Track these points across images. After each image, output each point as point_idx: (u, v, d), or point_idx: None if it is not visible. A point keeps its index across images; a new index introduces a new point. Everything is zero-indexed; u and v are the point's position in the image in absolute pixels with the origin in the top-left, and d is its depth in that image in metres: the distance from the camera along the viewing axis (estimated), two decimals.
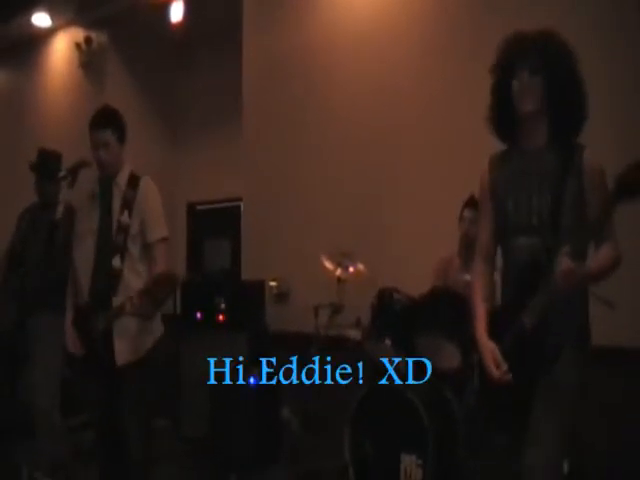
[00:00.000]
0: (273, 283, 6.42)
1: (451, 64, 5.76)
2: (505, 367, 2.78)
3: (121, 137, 4.07)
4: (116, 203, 4.01)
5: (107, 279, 3.89)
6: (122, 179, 4.05)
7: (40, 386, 4.84)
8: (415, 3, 6.06)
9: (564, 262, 2.56)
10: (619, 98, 4.82)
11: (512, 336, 2.79)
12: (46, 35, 9.46)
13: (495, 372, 2.79)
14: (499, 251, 3.10)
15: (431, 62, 5.89)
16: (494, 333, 2.89)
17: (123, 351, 3.88)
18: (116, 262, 3.88)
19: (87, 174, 4.20)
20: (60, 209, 4.68)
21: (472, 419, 3.32)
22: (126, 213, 3.93)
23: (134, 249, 3.94)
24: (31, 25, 8.95)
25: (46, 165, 5.08)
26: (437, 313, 4.64)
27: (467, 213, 4.93)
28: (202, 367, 6.00)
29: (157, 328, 4.03)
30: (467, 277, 4.33)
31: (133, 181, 4.03)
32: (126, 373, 3.88)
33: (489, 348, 2.86)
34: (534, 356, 2.77)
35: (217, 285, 6.62)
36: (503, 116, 2.95)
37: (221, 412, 5.66)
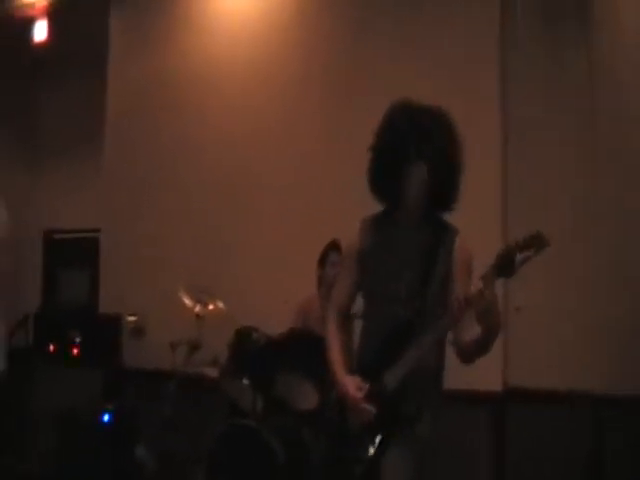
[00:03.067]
0: (131, 318, 6.28)
1: (327, 97, 5.87)
2: (365, 390, 2.81)
3: None
4: None
5: None
6: None
7: None
8: (292, 36, 6.11)
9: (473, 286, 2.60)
10: None
11: (371, 398, 2.81)
12: None
13: (357, 394, 2.81)
14: None
15: (306, 98, 5.99)
16: None
17: None
18: None
19: None
20: None
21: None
22: None
23: None
24: None
25: None
26: (295, 353, 4.65)
27: (333, 257, 4.97)
28: (55, 402, 5.82)
29: None
30: None
31: None
32: None
33: (349, 380, 2.88)
34: (390, 418, 2.81)
35: (72, 318, 6.45)
36: (389, 188, 2.91)
37: (74, 450, 5.47)
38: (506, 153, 5.20)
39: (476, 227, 3.63)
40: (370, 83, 5.61)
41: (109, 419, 5.49)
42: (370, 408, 2.80)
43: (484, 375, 4.46)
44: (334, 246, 4.96)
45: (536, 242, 2.48)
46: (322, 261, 5.07)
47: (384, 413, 2.80)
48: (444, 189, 2.84)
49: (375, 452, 2.83)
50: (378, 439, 2.81)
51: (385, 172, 2.88)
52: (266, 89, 6.18)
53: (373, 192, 2.96)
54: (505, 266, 2.50)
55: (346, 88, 5.77)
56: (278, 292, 5.65)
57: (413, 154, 2.77)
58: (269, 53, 6.22)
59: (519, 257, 2.49)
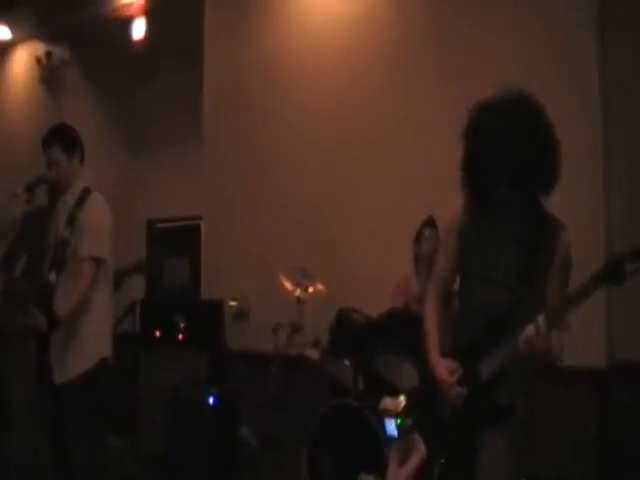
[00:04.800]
0: (233, 302, 6.41)
1: (415, 81, 5.82)
2: (458, 374, 2.84)
3: (70, 152, 4.06)
4: (62, 219, 4.03)
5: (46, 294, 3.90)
6: (71, 196, 4.06)
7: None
8: (380, 21, 6.10)
9: (529, 330, 2.58)
10: None
11: (465, 383, 2.83)
12: (6, 48, 9.36)
13: (449, 379, 2.84)
14: None
15: (394, 79, 5.95)
16: None
17: (56, 370, 3.92)
18: (52, 277, 3.89)
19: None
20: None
21: None
22: (68, 229, 3.95)
23: (73, 265, 3.94)
24: None
25: None
26: (395, 333, 4.66)
27: (428, 232, 4.96)
28: (161, 385, 5.96)
29: (96, 351, 4.03)
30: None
31: (82, 197, 4.03)
32: (66, 393, 3.91)
33: (444, 363, 2.90)
34: (484, 408, 2.83)
35: (176, 303, 6.59)
36: (481, 184, 2.87)
37: (180, 431, 5.61)
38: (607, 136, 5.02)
39: (575, 218, 3.53)
40: (458, 62, 5.54)
41: (214, 401, 5.60)
42: (461, 391, 2.81)
43: (587, 350, 4.38)
44: (429, 222, 4.96)
45: None
46: (418, 238, 5.06)
47: (477, 401, 2.81)
48: (538, 177, 2.75)
49: (468, 438, 2.85)
50: (472, 426, 2.84)
51: (474, 173, 2.84)
52: (356, 69, 6.17)
53: (467, 185, 2.92)
54: (614, 274, 2.44)
55: (434, 68, 5.71)
56: (377, 273, 5.65)
57: (501, 152, 2.69)
58: (358, 35, 6.20)
59: (630, 267, 2.41)
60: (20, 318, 3.93)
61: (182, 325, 6.29)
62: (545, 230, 2.83)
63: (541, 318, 2.56)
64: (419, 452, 1.70)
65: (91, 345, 3.99)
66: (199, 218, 7.51)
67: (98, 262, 3.95)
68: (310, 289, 5.41)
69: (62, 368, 3.92)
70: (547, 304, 2.73)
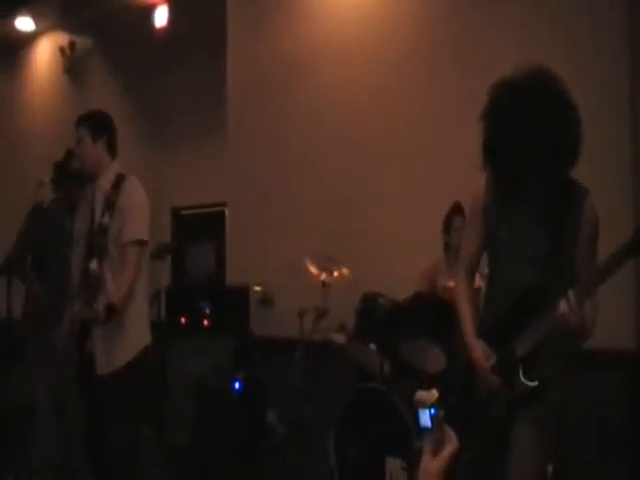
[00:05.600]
0: (257, 288, 6.42)
1: (437, 70, 5.79)
2: (493, 360, 2.82)
3: (95, 135, 4.03)
4: (98, 205, 3.99)
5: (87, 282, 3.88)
6: (105, 181, 4.02)
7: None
8: (402, 11, 6.07)
9: (562, 305, 2.54)
10: None
11: (500, 361, 2.82)
12: (30, 39, 9.42)
13: (484, 363, 2.83)
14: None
15: (418, 68, 5.93)
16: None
17: (101, 361, 3.88)
18: (93, 265, 3.85)
19: None
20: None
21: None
22: (107, 215, 3.91)
23: (115, 251, 3.90)
24: (15, 29, 8.91)
25: None
26: (421, 317, 4.65)
27: (456, 222, 4.93)
28: (187, 372, 5.99)
29: (140, 338, 4.00)
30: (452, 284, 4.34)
31: (118, 182, 3.99)
32: (108, 383, 3.88)
33: (479, 345, 2.89)
34: (517, 388, 2.79)
35: (201, 290, 6.60)
36: (502, 162, 2.84)
37: (206, 417, 5.63)
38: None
39: (604, 192, 3.43)
40: (477, 55, 5.51)
41: (240, 387, 5.62)
42: (495, 379, 2.79)
43: (616, 332, 4.32)
44: (457, 210, 4.92)
45: None
46: (447, 227, 5.03)
47: (511, 383, 2.78)
48: (559, 153, 2.71)
49: (503, 418, 2.84)
50: (506, 405, 2.82)
51: (495, 150, 2.82)
52: (376, 61, 6.17)
53: (488, 164, 2.89)
54: None
55: (454, 61, 5.69)
56: (403, 257, 5.64)
57: (521, 128, 2.68)
58: (378, 26, 6.19)
59: None
60: (82, 313, 3.89)
61: (207, 311, 6.31)
62: (569, 201, 2.78)
63: (571, 292, 2.52)
64: (452, 443, 1.70)
65: (135, 332, 3.95)
66: (224, 205, 7.53)
67: (142, 245, 3.93)
68: (335, 273, 5.37)
69: (107, 358, 3.87)
70: (577, 275, 2.70)
